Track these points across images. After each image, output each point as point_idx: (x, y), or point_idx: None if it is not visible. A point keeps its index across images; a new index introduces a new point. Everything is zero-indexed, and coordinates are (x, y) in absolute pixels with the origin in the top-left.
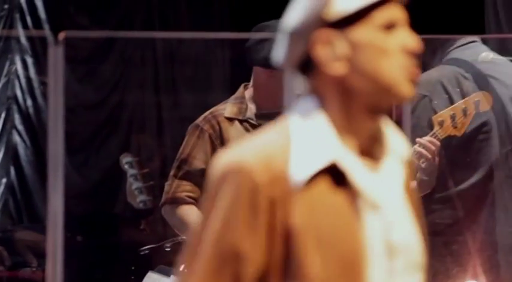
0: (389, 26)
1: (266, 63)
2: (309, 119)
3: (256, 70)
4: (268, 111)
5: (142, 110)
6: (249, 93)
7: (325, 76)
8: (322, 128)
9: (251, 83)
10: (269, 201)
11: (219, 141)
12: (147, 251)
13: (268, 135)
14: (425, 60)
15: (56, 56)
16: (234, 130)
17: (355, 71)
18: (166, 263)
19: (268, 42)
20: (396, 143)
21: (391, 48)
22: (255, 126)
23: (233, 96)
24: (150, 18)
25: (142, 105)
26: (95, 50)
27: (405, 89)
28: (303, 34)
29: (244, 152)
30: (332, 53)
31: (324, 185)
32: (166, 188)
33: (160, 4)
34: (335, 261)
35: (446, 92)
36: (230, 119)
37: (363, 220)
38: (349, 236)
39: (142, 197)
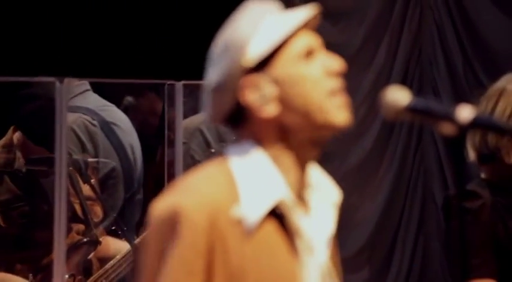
0: (308, 53)
1: (22, 126)
2: (252, 160)
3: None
4: (38, 157)
5: None
6: (17, 137)
7: (260, 120)
8: (266, 170)
9: None
10: (209, 244)
11: None
12: None
13: (209, 177)
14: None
15: None
16: (3, 185)
17: (288, 108)
18: None
19: (29, 103)
20: (327, 188)
21: (315, 75)
22: (23, 178)
23: (1, 144)
24: None
25: None
26: None
27: (339, 117)
28: (227, 87)
29: (184, 196)
30: (261, 96)
31: (269, 227)
32: None
33: None
34: None
35: (78, 137)
36: None
37: (302, 262)
38: (289, 279)
39: None
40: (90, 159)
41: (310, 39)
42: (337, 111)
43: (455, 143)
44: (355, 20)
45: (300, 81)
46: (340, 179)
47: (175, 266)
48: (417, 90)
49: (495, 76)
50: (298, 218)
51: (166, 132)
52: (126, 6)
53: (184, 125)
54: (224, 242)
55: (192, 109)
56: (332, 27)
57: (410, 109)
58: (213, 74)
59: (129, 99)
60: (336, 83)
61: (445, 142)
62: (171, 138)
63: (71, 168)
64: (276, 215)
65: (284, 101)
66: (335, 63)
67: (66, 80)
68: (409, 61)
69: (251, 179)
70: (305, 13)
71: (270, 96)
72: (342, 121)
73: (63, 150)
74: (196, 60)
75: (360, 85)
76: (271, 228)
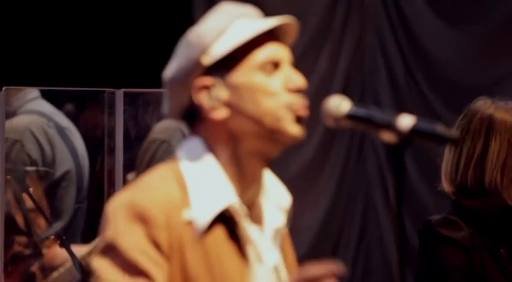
0: (272, 66)
1: None
2: (202, 163)
3: None
4: None
5: None
6: None
7: (211, 121)
8: (216, 175)
9: None
10: (169, 240)
11: None
12: None
13: (163, 178)
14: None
15: None
16: None
17: (238, 114)
18: None
19: None
20: (278, 192)
21: (273, 88)
22: None
23: None
24: None
25: None
26: None
27: (292, 128)
28: (182, 82)
29: (141, 193)
30: (213, 99)
31: (218, 232)
32: None
33: None
34: None
35: (35, 138)
36: None
37: (252, 269)
38: None
39: None
40: (29, 168)
41: (277, 51)
42: (291, 123)
43: (396, 152)
44: None
45: (254, 90)
46: None
47: (134, 256)
48: (358, 98)
49: (436, 85)
50: (248, 225)
51: (106, 140)
52: (66, 15)
53: (166, 124)
54: (180, 242)
55: (132, 117)
56: None
57: (351, 116)
58: (172, 68)
59: (68, 107)
60: (295, 99)
61: (386, 151)
62: (110, 147)
63: (8, 177)
64: (227, 221)
65: (236, 106)
66: (297, 79)
67: (4, 88)
68: (350, 69)
69: (200, 183)
70: (272, 22)
71: (221, 100)
72: (295, 132)
73: (1, 159)
74: (136, 68)
75: None
76: (222, 233)
